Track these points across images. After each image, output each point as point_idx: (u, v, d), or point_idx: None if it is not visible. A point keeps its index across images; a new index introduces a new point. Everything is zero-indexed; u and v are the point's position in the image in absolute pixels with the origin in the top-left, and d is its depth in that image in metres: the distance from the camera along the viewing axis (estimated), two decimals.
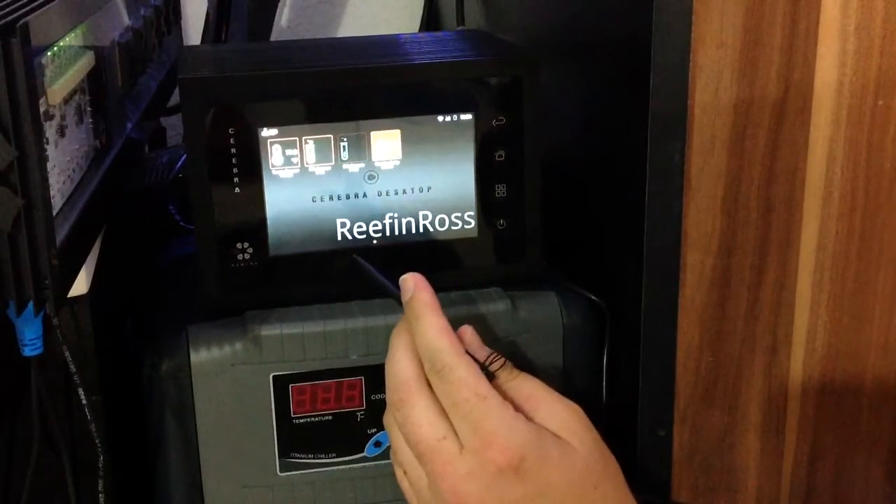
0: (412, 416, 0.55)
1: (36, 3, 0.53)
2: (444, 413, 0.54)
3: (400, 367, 0.56)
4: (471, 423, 0.53)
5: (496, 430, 0.53)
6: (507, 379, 0.56)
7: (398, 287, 0.59)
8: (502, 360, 0.57)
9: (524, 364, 0.66)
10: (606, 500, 0.54)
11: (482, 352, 0.57)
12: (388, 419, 0.57)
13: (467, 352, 0.56)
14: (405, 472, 0.57)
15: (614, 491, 0.55)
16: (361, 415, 0.67)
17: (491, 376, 0.56)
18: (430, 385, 0.55)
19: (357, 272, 0.65)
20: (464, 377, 0.54)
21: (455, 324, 0.57)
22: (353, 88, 0.66)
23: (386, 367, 0.57)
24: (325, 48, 0.75)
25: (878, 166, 0.64)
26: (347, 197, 0.67)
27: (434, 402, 0.55)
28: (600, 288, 0.69)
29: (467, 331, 0.58)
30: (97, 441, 0.64)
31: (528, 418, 0.54)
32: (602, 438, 0.56)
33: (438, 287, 0.59)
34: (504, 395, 0.55)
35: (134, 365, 0.66)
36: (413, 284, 0.57)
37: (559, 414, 0.55)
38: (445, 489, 0.53)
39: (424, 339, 0.56)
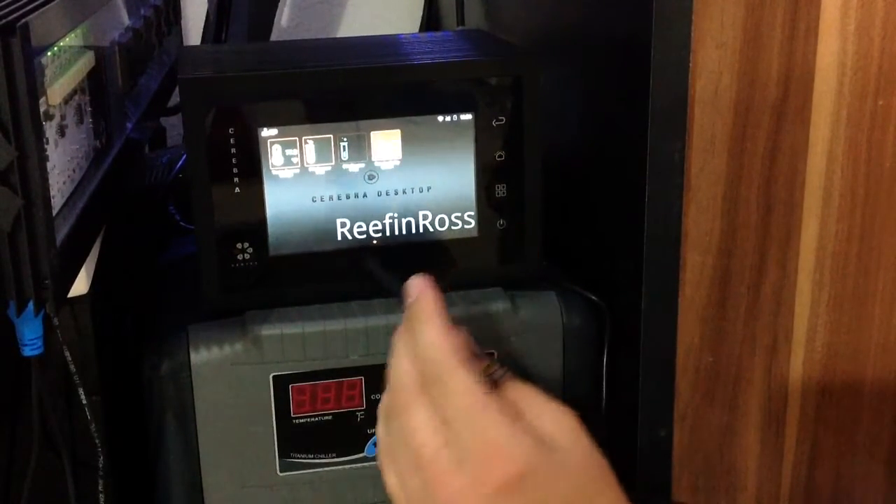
0: (412, 423, 0.53)
1: (36, 3, 0.53)
2: (444, 422, 0.53)
3: (402, 371, 0.55)
4: (470, 435, 0.51)
5: (497, 443, 0.51)
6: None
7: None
8: (497, 366, 0.55)
9: (524, 364, 0.66)
10: None
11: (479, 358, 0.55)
12: (382, 418, 0.56)
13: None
14: (398, 475, 0.55)
15: (614, 501, 0.53)
16: (361, 415, 0.67)
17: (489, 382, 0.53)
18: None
19: (366, 271, 0.65)
20: (462, 388, 0.52)
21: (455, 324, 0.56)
22: (353, 88, 0.66)
23: (387, 369, 0.56)
24: (325, 48, 0.75)
25: (878, 166, 0.64)
26: (347, 197, 0.67)
27: (435, 409, 0.53)
28: (600, 288, 0.69)
29: (461, 335, 0.55)
30: (97, 441, 0.64)
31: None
32: (597, 445, 0.54)
33: (439, 287, 0.58)
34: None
35: (134, 365, 0.66)
36: (417, 287, 0.55)
37: (555, 418, 0.53)
38: (441, 501, 0.51)
39: (420, 347, 0.54)
